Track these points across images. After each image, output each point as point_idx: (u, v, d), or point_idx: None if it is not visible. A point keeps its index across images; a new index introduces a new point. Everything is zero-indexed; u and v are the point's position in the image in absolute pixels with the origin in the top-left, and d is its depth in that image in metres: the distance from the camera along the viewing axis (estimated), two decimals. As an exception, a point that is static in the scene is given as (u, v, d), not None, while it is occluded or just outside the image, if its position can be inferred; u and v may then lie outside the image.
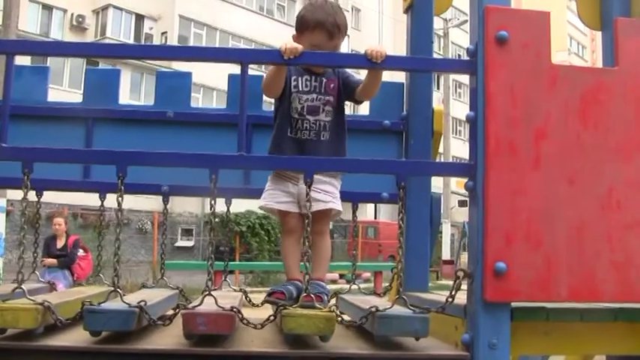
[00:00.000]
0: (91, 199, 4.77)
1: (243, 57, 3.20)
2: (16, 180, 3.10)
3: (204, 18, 42.65)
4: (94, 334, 2.83)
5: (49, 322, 2.88)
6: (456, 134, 54.05)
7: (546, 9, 3.14)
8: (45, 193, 3.91)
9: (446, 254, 33.88)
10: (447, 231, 34.20)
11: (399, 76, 4.35)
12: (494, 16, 3.01)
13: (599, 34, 4.27)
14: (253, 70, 3.31)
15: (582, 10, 4.25)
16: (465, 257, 32.74)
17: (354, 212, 4.23)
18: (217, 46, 38.38)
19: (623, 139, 3.05)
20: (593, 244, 2.98)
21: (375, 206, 42.52)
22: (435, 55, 5.94)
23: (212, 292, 2.96)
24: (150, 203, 30.13)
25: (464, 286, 3.06)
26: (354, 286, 4.17)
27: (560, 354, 4.16)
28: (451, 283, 3.06)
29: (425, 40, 4.53)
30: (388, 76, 3.66)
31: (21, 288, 3.01)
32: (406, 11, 4.67)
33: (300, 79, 3.62)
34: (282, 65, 3.38)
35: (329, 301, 3.45)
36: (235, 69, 3.45)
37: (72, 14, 39.72)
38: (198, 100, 36.18)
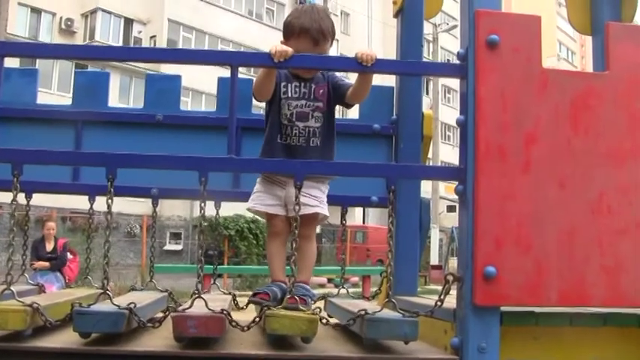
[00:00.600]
0: (79, 203, 4.75)
1: (233, 59, 3.20)
2: (4, 182, 3.09)
3: (193, 22, 42.58)
4: (84, 335, 2.82)
5: (38, 324, 2.88)
6: (444, 139, 54.11)
7: (536, 14, 3.15)
8: (33, 196, 3.89)
9: (434, 259, 33.88)
10: (435, 236, 34.22)
11: (389, 81, 4.36)
12: (484, 20, 3.02)
13: (588, 40, 4.29)
14: (242, 74, 3.31)
15: (572, 14, 4.26)
16: (453, 262, 32.89)
17: (343, 216, 4.23)
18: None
19: (613, 144, 3.05)
20: (584, 248, 2.98)
21: (364, 211, 42.53)
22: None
23: (202, 295, 2.96)
24: (139, 207, 30.01)
25: (452, 291, 3.06)
26: (342, 290, 4.18)
27: (549, 359, 4.17)
28: (439, 287, 3.06)
29: (415, 44, 4.54)
30: (378, 80, 3.67)
31: (10, 289, 3.01)
32: (396, 15, 4.68)
33: (289, 85, 3.62)
34: (272, 68, 3.38)
35: (314, 304, 3.45)
36: (224, 72, 3.46)
37: (61, 18, 39.57)
38: (187, 104, 36.09)
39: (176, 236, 37.66)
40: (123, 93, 37.60)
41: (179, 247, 37.10)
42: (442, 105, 45.20)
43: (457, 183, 3.06)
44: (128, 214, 31.99)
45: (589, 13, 4.15)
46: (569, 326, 3.15)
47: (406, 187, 4.17)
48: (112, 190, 2.98)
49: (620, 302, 3.06)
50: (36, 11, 38.99)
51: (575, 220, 3.00)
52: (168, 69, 25.72)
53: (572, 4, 4.28)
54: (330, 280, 22.74)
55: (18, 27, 35.95)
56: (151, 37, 41.80)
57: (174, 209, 34.43)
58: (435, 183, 34.75)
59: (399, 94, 4.48)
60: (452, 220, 39.48)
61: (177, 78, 4.63)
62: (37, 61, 22.12)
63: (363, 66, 3.15)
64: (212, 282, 4.25)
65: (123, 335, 2.90)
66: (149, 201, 4.33)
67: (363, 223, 42.49)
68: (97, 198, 3.94)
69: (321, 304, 3.82)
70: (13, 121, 4.01)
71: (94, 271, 4.24)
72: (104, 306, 2.90)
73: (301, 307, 2.96)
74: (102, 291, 3.04)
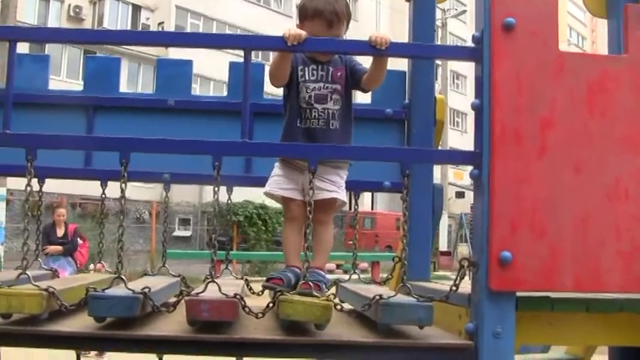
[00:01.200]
0: (90, 189, 4.76)
1: (246, 43, 3.18)
2: (16, 167, 3.09)
3: (200, 8, 42.59)
4: (99, 320, 2.82)
5: (53, 308, 2.87)
6: (453, 125, 54.05)
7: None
8: (44, 182, 3.89)
9: (443, 245, 33.91)
10: (444, 222, 34.20)
11: (398, 65, 4.33)
12: (500, 3, 2.98)
13: (599, 24, 4.26)
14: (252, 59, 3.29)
15: (587, -3, 4.23)
16: (462, 248, 32.89)
17: (355, 201, 4.21)
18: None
19: (630, 128, 3.00)
20: (599, 233, 2.95)
21: (372, 197, 42.56)
22: (436, 45, 5.93)
23: (215, 280, 2.95)
24: (148, 193, 30.15)
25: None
26: (354, 276, 4.16)
27: (564, 344, 4.16)
28: (448, 274, 3.05)
29: (427, 28, 4.52)
30: (389, 65, 3.64)
31: (26, 274, 3.02)
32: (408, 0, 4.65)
33: (306, 68, 3.60)
34: (286, 53, 3.36)
35: (328, 290, 3.43)
36: (232, 59, 3.44)
37: (69, 5, 39.64)
38: (195, 90, 36.00)
39: (185, 222, 37.82)
40: (131, 79, 37.68)
41: (188, 233, 37.27)
42: (451, 91, 45.17)
43: (472, 167, 3.03)
44: (137, 200, 32.12)
45: (604, -5, 4.11)
46: (584, 312, 3.13)
47: (419, 172, 4.15)
48: (125, 174, 2.97)
49: (637, 288, 3.02)
50: (45, -2, 39.07)
51: (590, 205, 2.96)
52: (176, 55, 25.75)
53: (585, -13, 4.24)
54: (339, 266, 22.80)
55: (27, 14, 36.02)
56: (159, 24, 41.84)
57: (183, 195, 34.50)
58: (444, 169, 34.74)
59: (412, 79, 4.45)
60: (460, 206, 39.48)
61: (188, 63, 4.61)
62: (46, 48, 22.15)
63: (377, 49, 3.12)
64: (225, 267, 4.24)
65: (137, 319, 2.90)
66: (157, 187, 4.37)
67: (372, 209, 42.53)
68: (108, 184, 3.93)
69: (332, 289, 3.81)
70: (26, 106, 3.99)
71: (105, 256, 4.23)
72: (119, 290, 2.89)
73: (315, 293, 2.92)
74: (115, 276, 3.04)
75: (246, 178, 4.38)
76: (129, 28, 40.60)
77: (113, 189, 3.35)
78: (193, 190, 34.43)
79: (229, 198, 4.14)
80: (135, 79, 38.72)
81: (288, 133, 3.58)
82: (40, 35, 4.52)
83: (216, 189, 3.00)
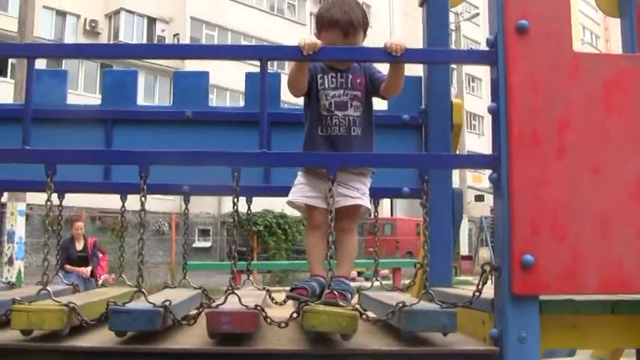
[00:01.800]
0: (109, 202, 4.79)
1: (262, 54, 3.18)
2: (36, 183, 3.09)
3: (215, 19, 42.72)
4: (120, 334, 2.82)
5: (74, 323, 2.88)
6: (470, 128, 53.88)
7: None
8: (64, 197, 3.90)
9: (464, 249, 33.75)
10: (464, 226, 34.05)
11: (413, 72, 4.32)
12: (513, 5, 2.97)
13: (612, 23, 4.23)
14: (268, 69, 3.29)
15: (598, -4, 4.19)
16: (483, 252, 32.72)
17: (375, 208, 4.20)
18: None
19: (649, 126, 2.98)
20: (621, 234, 2.92)
21: (392, 203, 42.45)
22: (451, 49, 5.93)
23: (235, 291, 2.94)
24: (166, 205, 30.27)
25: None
26: (376, 283, 4.14)
27: (589, 348, 4.11)
28: (470, 278, 3.02)
29: (441, 33, 4.51)
30: (406, 71, 3.63)
31: (46, 289, 3.02)
32: (421, 4, 4.64)
33: (325, 76, 3.60)
34: (303, 62, 3.36)
35: (352, 299, 3.40)
36: (248, 69, 3.44)
37: (85, 19, 39.90)
38: (212, 101, 36.08)
39: (204, 233, 37.87)
40: (148, 92, 37.85)
41: (208, 244, 37.31)
42: (466, 94, 45.03)
43: (491, 171, 3.01)
44: (156, 211, 32.22)
45: (616, -6, 4.08)
46: (609, 314, 3.10)
47: (437, 177, 4.13)
48: (144, 187, 2.97)
49: (662, 288, 2.99)
50: (61, 14, 39.38)
51: (611, 205, 2.94)
52: (192, 67, 25.83)
53: (597, -14, 4.21)
54: (360, 274, 22.71)
55: (44, 30, 36.25)
56: (174, 36, 42.01)
57: (203, 206, 34.56)
58: (463, 173, 34.58)
59: (428, 84, 4.45)
60: (480, 209, 39.30)
61: (204, 74, 4.62)
62: (64, 62, 22.27)
63: (393, 56, 3.12)
64: (246, 278, 4.24)
65: (158, 333, 2.89)
66: (177, 199, 4.39)
67: (391, 215, 42.41)
68: (127, 197, 3.93)
69: (356, 299, 3.79)
70: (44, 122, 4.01)
71: (125, 269, 4.24)
72: (139, 304, 2.89)
73: (341, 303, 2.88)
74: (136, 289, 3.04)
75: (266, 188, 4.39)
76: (144, 40, 40.86)
77: (132, 201, 3.35)
78: (212, 201, 34.47)
79: (249, 208, 4.14)
80: (152, 92, 38.90)
81: (310, 141, 3.57)
82: (58, 51, 4.55)
83: (235, 200, 3.00)
